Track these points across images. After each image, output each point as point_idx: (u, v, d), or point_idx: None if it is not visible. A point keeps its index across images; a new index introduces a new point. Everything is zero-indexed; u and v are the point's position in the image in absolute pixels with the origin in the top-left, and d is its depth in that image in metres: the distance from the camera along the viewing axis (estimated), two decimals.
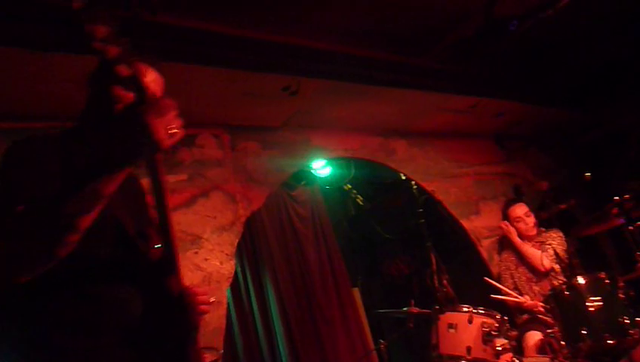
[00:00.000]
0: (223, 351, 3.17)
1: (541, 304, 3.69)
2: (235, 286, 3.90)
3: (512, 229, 4.20)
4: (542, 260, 3.85)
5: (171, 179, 3.38)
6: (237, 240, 3.53)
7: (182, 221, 3.33)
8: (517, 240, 4.14)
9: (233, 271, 3.46)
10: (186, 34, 3.15)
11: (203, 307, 1.52)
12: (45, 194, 1.17)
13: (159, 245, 1.40)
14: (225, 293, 3.38)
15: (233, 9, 3.13)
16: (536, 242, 4.16)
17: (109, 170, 1.18)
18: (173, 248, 1.38)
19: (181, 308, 1.39)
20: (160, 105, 1.16)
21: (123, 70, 1.12)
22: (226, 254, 3.45)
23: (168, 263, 1.39)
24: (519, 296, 3.97)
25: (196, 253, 3.34)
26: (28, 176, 1.28)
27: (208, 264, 3.36)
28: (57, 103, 2.97)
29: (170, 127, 1.16)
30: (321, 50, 3.62)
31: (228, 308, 3.83)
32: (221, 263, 3.41)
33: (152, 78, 1.50)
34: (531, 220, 4.17)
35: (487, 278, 4.10)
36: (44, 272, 1.20)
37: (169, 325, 1.40)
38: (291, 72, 3.40)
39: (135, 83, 1.14)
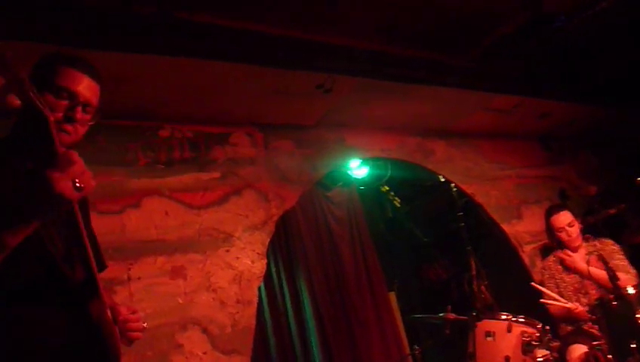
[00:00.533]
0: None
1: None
2: (269, 286, 3.88)
3: (575, 258, 3.92)
4: (611, 278, 3.55)
5: (204, 177, 3.39)
6: (268, 240, 3.50)
7: (214, 219, 3.33)
8: (583, 266, 3.86)
9: (264, 271, 3.43)
10: (220, 32, 3.15)
11: (134, 334, 1.54)
12: None
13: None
14: (255, 292, 3.36)
15: (268, 7, 3.11)
16: (587, 253, 3.90)
17: (15, 224, 1.17)
18: (94, 273, 1.39)
19: (100, 335, 1.38)
20: (64, 159, 1.15)
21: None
22: (258, 253, 3.43)
23: (90, 287, 1.39)
24: (568, 302, 3.76)
25: (227, 251, 3.33)
26: None
27: (239, 262, 3.35)
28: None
29: (77, 181, 1.15)
30: (357, 49, 3.56)
31: (261, 308, 3.81)
32: (252, 262, 3.39)
33: (84, 85, 1.51)
34: (575, 230, 3.89)
35: (533, 284, 3.91)
36: None
37: (89, 351, 1.38)
38: (326, 69, 3.35)
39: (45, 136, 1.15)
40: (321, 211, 5.30)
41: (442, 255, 5.61)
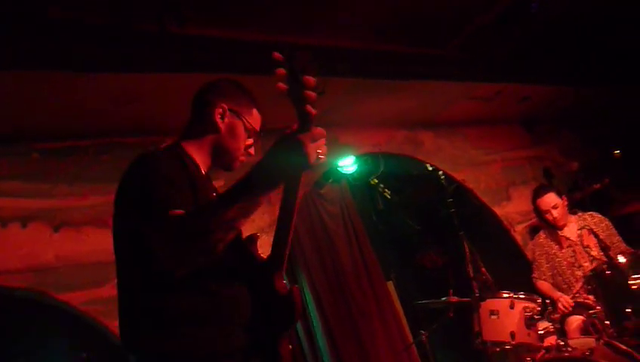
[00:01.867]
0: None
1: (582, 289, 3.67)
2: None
3: (566, 233, 4.07)
4: (603, 250, 3.69)
5: None
6: None
7: None
8: (575, 239, 4.01)
9: None
10: (211, 43, 3.22)
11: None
12: (190, 204, 1.46)
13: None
14: None
15: (255, 15, 3.19)
16: (579, 228, 4.06)
17: (269, 184, 1.41)
18: (286, 251, 1.66)
19: (286, 305, 1.62)
20: (315, 133, 1.40)
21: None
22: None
23: (277, 264, 1.66)
24: (557, 293, 3.94)
25: None
26: (172, 189, 1.51)
27: None
28: (96, 120, 3.08)
29: (319, 152, 1.39)
30: (344, 49, 3.66)
31: None
32: None
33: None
34: (559, 211, 4.01)
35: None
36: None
37: (273, 320, 1.63)
38: (317, 73, 3.44)
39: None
40: (315, 209, 5.40)
41: (436, 242, 5.76)
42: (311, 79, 1.38)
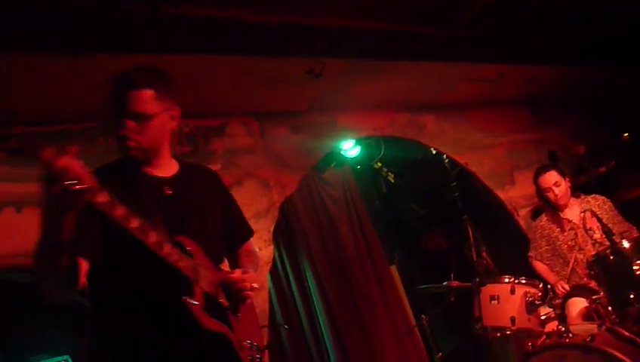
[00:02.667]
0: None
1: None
2: (272, 271, 3.95)
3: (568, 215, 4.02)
4: (606, 234, 3.65)
5: None
6: (273, 226, 3.57)
7: None
8: (578, 222, 3.97)
9: (272, 256, 3.50)
10: (206, 24, 3.16)
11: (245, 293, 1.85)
12: None
13: None
14: (266, 277, 3.44)
15: None
16: (582, 211, 4.00)
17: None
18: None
19: None
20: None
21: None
22: (264, 240, 3.50)
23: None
24: (555, 278, 3.90)
25: None
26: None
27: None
28: (89, 105, 3.04)
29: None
30: (342, 28, 3.58)
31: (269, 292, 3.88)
32: (260, 249, 3.46)
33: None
34: (561, 189, 3.95)
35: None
36: None
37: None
38: (314, 54, 3.39)
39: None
40: (318, 193, 5.36)
41: (439, 226, 5.72)
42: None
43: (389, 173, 5.91)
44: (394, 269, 5.83)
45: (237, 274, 1.86)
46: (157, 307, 1.68)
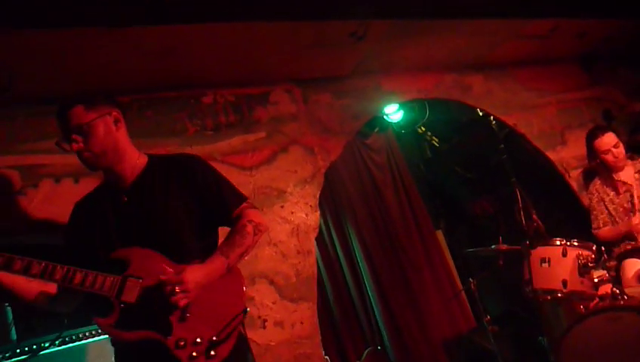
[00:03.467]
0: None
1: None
2: (318, 237, 4.01)
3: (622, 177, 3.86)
4: None
5: (251, 137, 3.48)
6: (319, 192, 3.60)
7: (265, 177, 3.43)
8: (633, 183, 3.81)
9: (318, 222, 3.54)
10: None
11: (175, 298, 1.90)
12: None
13: None
14: (313, 243, 3.49)
15: None
16: (636, 171, 3.87)
17: None
18: None
19: None
20: None
21: None
22: (310, 206, 3.54)
23: None
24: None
25: (282, 206, 3.45)
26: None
27: (295, 216, 3.46)
28: (136, 76, 3.11)
29: None
30: None
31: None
32: (306, 215, 3.50)
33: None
34: (621, 150, 3.82)
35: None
36: None
37: None
38: (356, 15, 3.31)
39: None
40: (361, 159, 5.36)
41: (486, 190, 5.62)
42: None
43: (434, 137, 5.82)
44: (440, 234, 5.81)
45: (168, 274, 1.87)
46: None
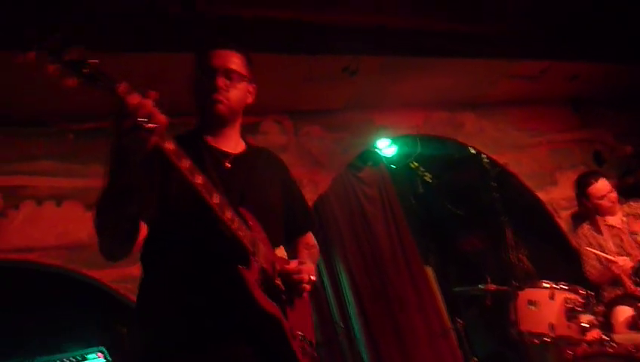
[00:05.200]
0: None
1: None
2: None
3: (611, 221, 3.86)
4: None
5: None
6: None
7: None
8: (623, 226, 3.81)
9: None
10: (244, 22, 3.18)
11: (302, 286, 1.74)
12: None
13: None
14: None
15: None
16: (625, 215, 3.87)
17: (114, 169, 1.43)
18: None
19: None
20: (126, 105, 1.33)
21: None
22: None
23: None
24: (615, 256, 3.73)
25: None
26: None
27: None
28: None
29: (143, 120, 1.34)
30: (380, 26, 3.54)
31: None
32: None
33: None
34: (615, 195, 3.85)
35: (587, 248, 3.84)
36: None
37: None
38: (350, 51, 3.35)
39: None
40: (353, 192, 5.33)
41: (477, 227, 5.60)
42: (72, 52, 1.28)
43: (426, 173, 5.83)
44: (429, 270, 5.75)
45: (293, 264, 1.75)
46: (209, 274, 1.59)
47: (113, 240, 1.53)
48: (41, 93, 2.82)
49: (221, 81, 1.74)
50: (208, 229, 1.56)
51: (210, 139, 1.80)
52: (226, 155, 1.79)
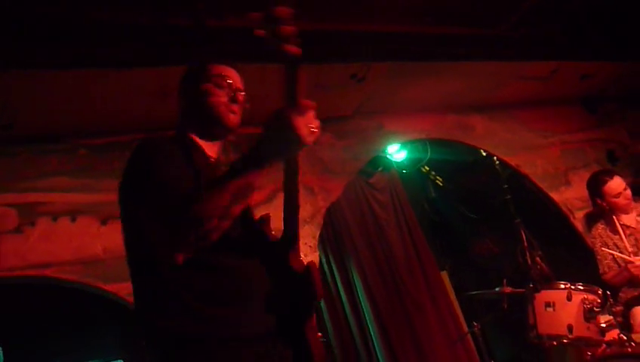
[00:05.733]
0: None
1: None
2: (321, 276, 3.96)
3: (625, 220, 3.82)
4: None
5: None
6: (318, 232, 3.57)
7: None
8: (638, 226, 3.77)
9: (318, 262, 3.50)
10: (252, 34, 3.20)
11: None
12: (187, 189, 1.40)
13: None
14: None
15: (293, 3, 3.14)
16: (638, 214, 3.83)
17: (261, 166, 1.35)
18: (297, 229, 1.59)
19: (305, 282, 1.55)
20: (302, 106, 1.30)
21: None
22: (310, 246, 3.50)
23: (290, 242, 1.60)
24: (631, 256, 3.68)
25: None
26: (175, 172, 1.48)
27: None
28: (136, 116, 3.15)
29: (310, 126, 1.29)
30: (387, 32, 3.55)
31: None
32: (305, 255, 3.46)
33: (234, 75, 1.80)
34: (629, 193, 3.81)
35: (603, 249, 3.80)
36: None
37: (293, 297, 1.56)
38: (359, 58, 3.36)
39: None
40: (365, 198, 5.33)
41: (491, 230, 5.56)
42: (284, 11, 1.28)
43: (437, 177, 5.81)
44: (445, 275, 5.72)
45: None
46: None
47: (197, 238, 1.39)
48: (51, 109, 2.89)
49: (241, 97, 1.77)
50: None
51: (197, 139, 1.78)
52: (208, 159, 1.78)
